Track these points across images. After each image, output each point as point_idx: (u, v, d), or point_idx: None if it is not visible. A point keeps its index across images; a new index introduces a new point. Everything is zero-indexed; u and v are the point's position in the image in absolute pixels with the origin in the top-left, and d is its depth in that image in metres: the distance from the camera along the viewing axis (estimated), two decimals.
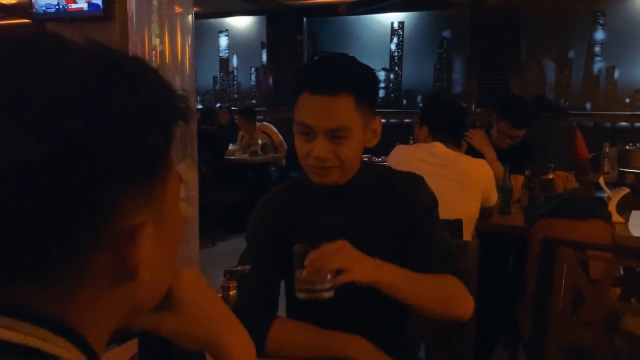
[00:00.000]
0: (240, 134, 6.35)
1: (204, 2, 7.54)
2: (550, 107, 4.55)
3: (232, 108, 7.61)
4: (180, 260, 0.85)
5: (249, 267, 1.11)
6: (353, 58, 1.29)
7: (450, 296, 1.29)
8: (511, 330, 2.62)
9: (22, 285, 0.47)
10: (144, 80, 0.52)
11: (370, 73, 1.29)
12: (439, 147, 2.49)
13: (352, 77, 1.23)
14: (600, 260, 1.84)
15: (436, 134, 2.56)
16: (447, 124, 2.54)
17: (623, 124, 6.33)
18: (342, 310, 1.30)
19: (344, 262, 1.13)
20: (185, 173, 0.85)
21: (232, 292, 0.98)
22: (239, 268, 0.99)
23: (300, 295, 1.16)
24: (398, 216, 1.36)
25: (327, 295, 1.14)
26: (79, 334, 0.49)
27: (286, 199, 1.40)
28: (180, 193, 0.58)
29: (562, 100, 6.45)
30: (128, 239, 0.50)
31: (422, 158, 2.44)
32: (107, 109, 0.47)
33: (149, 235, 0.51)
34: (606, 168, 4.89)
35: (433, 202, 1.40)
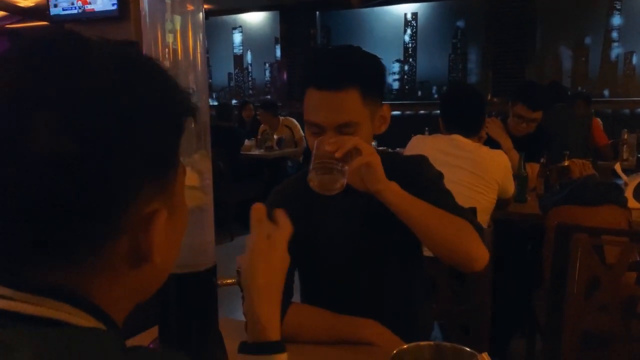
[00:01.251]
0: (262, 127, 6.37)
1: None
2: (565, 93, 4.51)
3: (256, 104, 7.66)
4: (196, 248, 0.89)
5: None
6: (358, 48, 1.29)
7: (461, 231, 1.22)
8: (529, 318, 2.63)
9: (52, 267, 0.51)
10: (159, 79, 0.56)
11: (375, 62, 1.28)
12: (458, 138, 2.49)
13: (357, 70, 1.22)
14: (615, 244, 1.83)
15: (452, 126, 2.57)
16: (465, 116, 2.55)
17: None
18: (356, 296, 1.33)
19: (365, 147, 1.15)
20: (200, 163, 0.88)
21: None
22: None
23: (314, 180, 1.17)
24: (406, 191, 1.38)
25: (340, 182, 1.16)
26: (103, 311, 0.53)
27: (298, 189, 1.44)
28: (184, 183, 0.62)
29: (579, 88, 6.38)
30: (144, 225, 0.54)
31: (440, 148, 2.46)
32: (132, 107, 0.52)
33: (163, 222, 0.55)
34: (625, 155, 4.82)
35: (438, 174, 1.40)
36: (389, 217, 1.38)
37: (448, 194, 1.37)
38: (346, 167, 1.15)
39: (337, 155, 1.14)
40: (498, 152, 2.55)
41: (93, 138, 0.49)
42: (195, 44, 1.01)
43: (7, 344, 0.47)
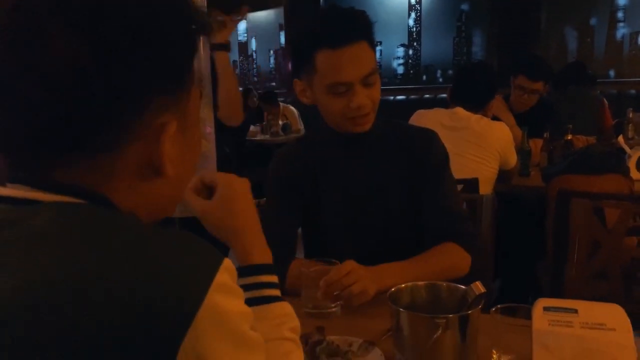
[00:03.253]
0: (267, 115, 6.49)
1: None
2: (584, 75, 4.49)
3: (259, 91, 7.69)
4: None
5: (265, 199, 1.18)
6: (351, 7, 1.35)
7: (448, 268, 1.30)
8: (533, 289, 2.65)
9: (69, 166, 0.55)
10: None
11: (367, 14, 1.33)
12: (459, 111, 2.53)
13: (361, 23, 1.28)
14: (615, 207, 1.85)
15: (457, 99, 2.60)
16: (470, 89, 2.58)
17: None
18: (358, 258, 1.35)
19: (357, 286, 1.15)
20: (202, 111, 0.91)
21: None
22: (256, 201, 1.05)
23: (309, 312, 1.21)
24: (411, 168, 1.41)
25: (335, 312, 1.20)
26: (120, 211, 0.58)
27: (301, 151, 1.47)
28: (200, 107, 0.66)
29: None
30: (156, 135, 0.58)
31: (442, 122, 2.48)
32: (145, 16, 0.55)
33: (173, 134, 0.59)
34: (630, 133, 4.79)
35: (445, 158, 1.45)
36: (392, 181, 1.41)
37: (450, 189, 1.43)
38: (340, 303, 1.20)
39: (332, 295, 1.16)
40: (499, 123, 2.58)
41: (105, 45, 0.52)
42: None
43: (27, 215, 0.52)
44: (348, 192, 1.41)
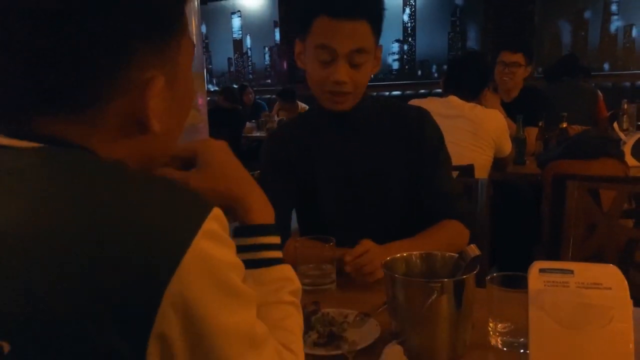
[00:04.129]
0: (280, 113, 6.33)
1: None
2: (578, 67, 4.51)
3: (255, 89, 7.68)
4: None
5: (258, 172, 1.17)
6: None
7: (452, 242, 1.31)
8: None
9: (54, 119, 0.54)
10: None
11: (381, 1, 1.34)
12: (453, 99, 2.54)
13: (368, 3, 1.28)
14: (610, 189, 1.85)
15: (450, 88, 2.61)
16: (463, 78, 2.59)
17: None
18: (352, 239, 1.35)
19: (368, 267, 1.19)
20: (194, 83, 0.90)
21: None
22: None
23: (305, 288, 1.21)
24: (408, 147, 1.41)
25: (330, 288, 1.21)
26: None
27: (294, 130, 1.46)
28: (193, 57, 0.64)
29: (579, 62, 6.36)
30: (141, 91, 0.56)
31: (436, 111, 2.47)
32: None
33: (160, 90, 0.57)
34: (625, 124, 4.81)
35: (440, 137, 1.46)
36: (387, 160, 1.40)
37: (447, 165, 1.46)
38: (334, 276, 1.22)
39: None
40: (493, 111, 2.59)
41: None
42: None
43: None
44: (343, 172, 1.41)
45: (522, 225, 2.78)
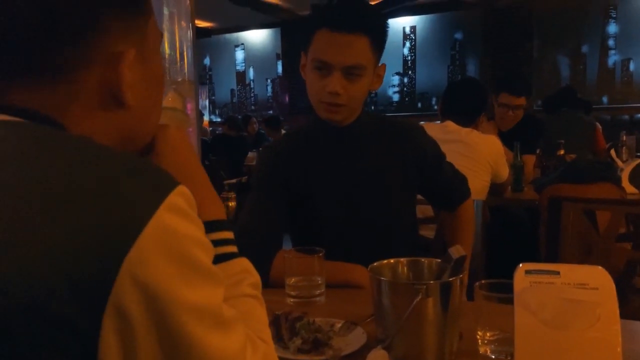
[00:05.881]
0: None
1: (221, 17, 7.75)
2: (577, 100, 4.54)
3: (259, 119, 7.80)
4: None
5: (245, 177, 1.17)
6: (368, 2, 1.36)
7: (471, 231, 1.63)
8: None
9: (25, 88, 0.55)
10: None
11: (384, 18, 1.37)
12: (449, 124, 2.55)
13: (369, 19, 1.31)
14: (606, 210, 1.84)
15: (447, 113, 2.62)
16: (460, 104, 2.61)
17: None
18: (347, 255, 1.34)
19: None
20: (183, 88, 0.91)
21: (232, 204, 1.04)
22: (235, 180, 1.04)
23: (293, 300, 1.20)
24: (403, 161, 1.43)
25: (319, 300, 1.19)
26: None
27: (289, 144, 1.46)
28: (160, 42, 0.65)
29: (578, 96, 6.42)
30: (113, 63, 0.57)
31: (434, 135, 2.48)
32: None
33: (131, 63, 0.58)
34: (624, 156, 4.83)
35: (435, 143, 1.54)
36: (383, 174, 1.41)
37: (450, 169, 1.59)
38: (324, 291, 1.20)
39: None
40: (489, 136, 2.60)
41: None
42: (183, 55, 1.09)
43: None
44: (340, 185, 1.41)
45: (519, 250, 2.75)
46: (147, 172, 0.52)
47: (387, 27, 1.38)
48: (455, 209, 1.60)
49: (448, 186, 1.57)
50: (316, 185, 1.41)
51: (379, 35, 1.32)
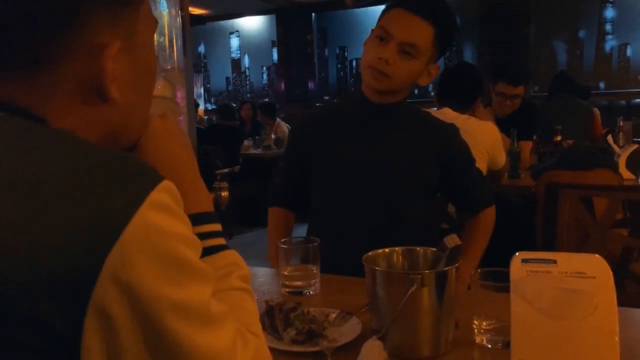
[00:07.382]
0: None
1: (215, 4, 7.67)
2: (574, 85, 4.51)
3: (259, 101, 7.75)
4: None
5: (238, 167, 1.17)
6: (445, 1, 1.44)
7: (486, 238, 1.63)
8: None
9: (6, 80, 0.53)
10: None
11: (454, 21, 1.44)
12: (447, 111, 2.53)
13: (440, 16, 1.38)
14: (603, 196, 1.83)
15: (444, 100, 2.61)
16: (456, 90, 2.59)
17: (638, 100, 6.24)
18: (363, 228, 1.42)
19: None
20: (172, 76, 0.90)
21: (224, 194, 1.02)
22: (228, 170, 1.03)
23: (287, 290, 1.20)
24: (429, 155, 1.47)
25: (313, 290, 1.19)
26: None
27: (319, 116, 1.58)
28: (154, 32, 0.63)
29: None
30: (95, 55, 0.55)
31: None
32: None
33: (115, 54, 0.56)
34: (621, 142, 4.82)
35: (467, 150, 1.57)
36: (407, 165, 1.45)
37: (477, 174, 1.63)
38: (317, 280, 1.20)
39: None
40: (487, 123, 2.58)
41: None
42: (172, 44, 1.08)
43: None
44: (363, 158, 1.45)
45: (515, 237, 2.74)
46: (129, 167, 0.50)
47: (455, 31, 1.45)
48: (475, 213, 1.61)
49: (470, 190, 1.59)
50: (344, 158, 1.46)
51: (444, 32, 1.38)
